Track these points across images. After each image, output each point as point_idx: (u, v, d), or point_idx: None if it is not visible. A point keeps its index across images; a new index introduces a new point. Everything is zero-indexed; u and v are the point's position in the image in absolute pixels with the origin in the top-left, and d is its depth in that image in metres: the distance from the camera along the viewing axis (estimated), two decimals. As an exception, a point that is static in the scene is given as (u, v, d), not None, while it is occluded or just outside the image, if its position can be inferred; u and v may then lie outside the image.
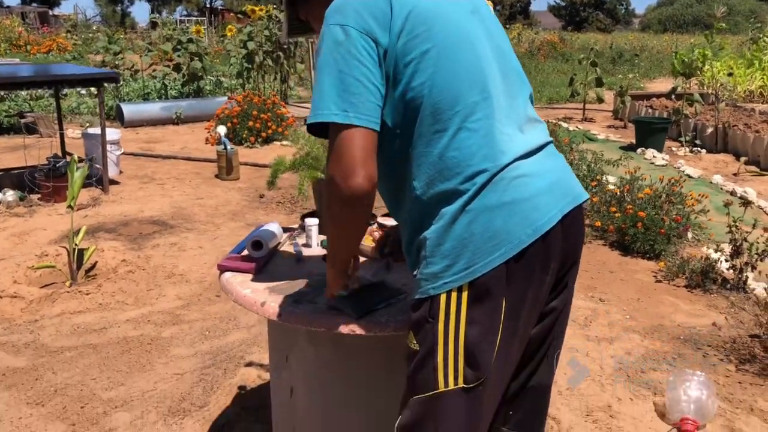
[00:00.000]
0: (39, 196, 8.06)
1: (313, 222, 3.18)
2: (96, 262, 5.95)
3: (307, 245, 3.17)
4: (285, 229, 3.31)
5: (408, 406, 1.85)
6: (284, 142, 11.70)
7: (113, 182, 8.63)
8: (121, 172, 9.38)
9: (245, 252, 2.94)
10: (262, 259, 2.93)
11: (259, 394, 4.04)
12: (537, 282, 1.77)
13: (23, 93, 13.94)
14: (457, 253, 1.72)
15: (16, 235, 6.74)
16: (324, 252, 3.01)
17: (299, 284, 2.69)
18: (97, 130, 8.98)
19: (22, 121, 11.82)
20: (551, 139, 2.00)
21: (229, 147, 9.01)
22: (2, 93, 13.31)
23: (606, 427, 3.64)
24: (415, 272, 1.91)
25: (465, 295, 1.72)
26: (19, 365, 4.33)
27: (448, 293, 1.73)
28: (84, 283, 5.61)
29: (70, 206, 5.61)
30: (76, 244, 5.63)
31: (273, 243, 3.06)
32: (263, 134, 11.34)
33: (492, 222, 1.71)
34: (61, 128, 9.06)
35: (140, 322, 4.94)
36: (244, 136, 11.28)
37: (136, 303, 5.29)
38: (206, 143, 11.67)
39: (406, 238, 1.99)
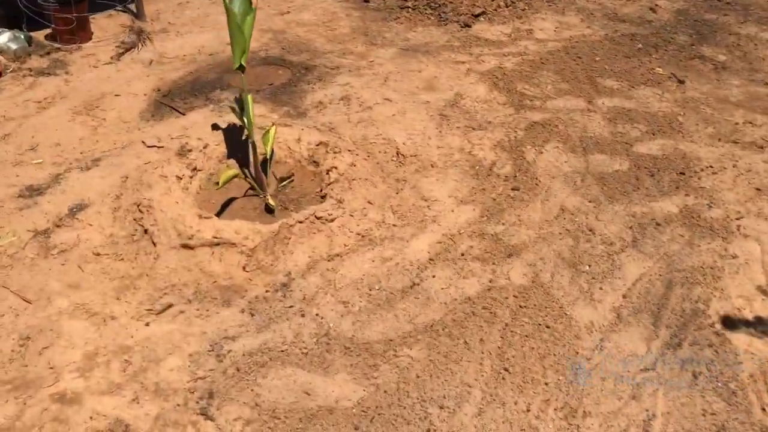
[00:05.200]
0: (48, 33, 5.24)
1: None
2: (272, 153, 3.66)
3: None
4: None
5: None
6: None
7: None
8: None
9: None
10: None
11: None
12: None
13: None
14: None
15: (77, 112, 4.18)
16: None
17: None
18: None
19: None
20: None
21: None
22: None
23: None
24: None
25: None
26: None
27: None
28: (288, 196, 3.41)
29: (241, 67, 3.19)
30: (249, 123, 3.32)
31: None
32: None
33: None
34: None
35: (453, 261, 2.94)
36: None
37: (405, 219, 3.21)
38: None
39: None
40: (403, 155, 3.69)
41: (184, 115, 4.15)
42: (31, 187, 3.51)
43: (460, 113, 4.10)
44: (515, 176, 3.52)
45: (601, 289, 2.80)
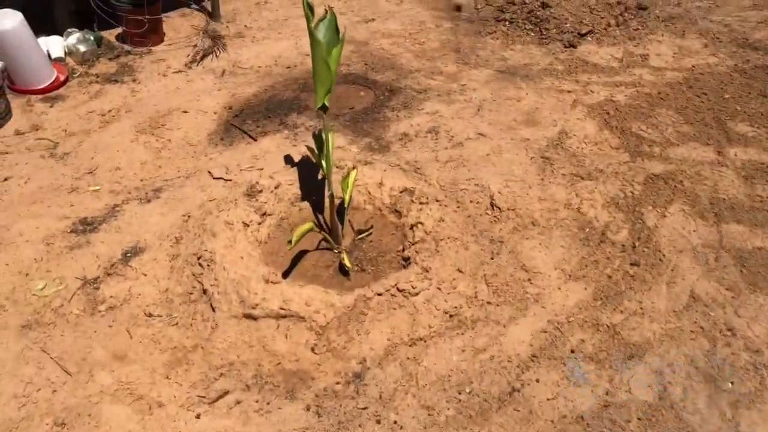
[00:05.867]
0: (119, 33, 4.92)
1: None
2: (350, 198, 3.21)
3: None
4: None
5: None
6: None
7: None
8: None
9: None
10: None
11: None
12: None
13: None
14: None
15: (141, 129, 3.82)
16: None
17: None
18: None
19: None
20: None
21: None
22: None
23: None
24: None
25: None
26: None
27: None
28: (365, 253, 2.96)
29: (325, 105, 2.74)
30: (327, 164, 2.87)
31: None
32: None
33: None
34: None
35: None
36: None
37: (502, 295, 2.70)
38: None
39: None
40: (498, 208, 3.19)
41: (255, 140, 3.75)
42: (85, 221, 3.17)
43: (566, 156, 3.55)
44: (634, 246, 2.96)
45: (749, 417, 2.24)
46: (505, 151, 3.61)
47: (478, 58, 4.64)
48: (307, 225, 2.80)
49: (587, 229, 3.09)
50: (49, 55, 4.56)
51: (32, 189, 3.38)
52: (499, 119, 3.89)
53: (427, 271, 2.74)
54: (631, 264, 2.88)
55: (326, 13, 2.71)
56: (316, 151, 2.98)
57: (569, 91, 4.16)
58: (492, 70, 4.47)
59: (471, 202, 3.25)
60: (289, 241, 2.66)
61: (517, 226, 3.11)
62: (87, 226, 3.15)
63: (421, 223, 3.00)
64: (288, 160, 3.50)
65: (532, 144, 3.66)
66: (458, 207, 3.19)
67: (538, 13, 4.92)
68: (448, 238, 2.95)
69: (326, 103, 2.76)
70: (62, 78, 4.38)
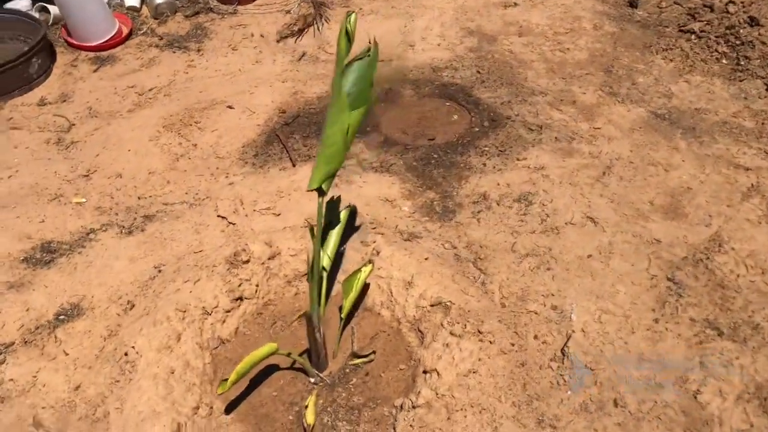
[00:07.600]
0: (208, -14, 4.18)
1: None
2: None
3: None
4: None
5: None
6: None
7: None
8: None
9: None
10: None
11: None
12: None
13: None
14: None
15: (169, 124, 3.12)
16: None
17: None
18: None
19: None
20: None
21: None
22: None
23: None
24: None
25: None
26: None
27: None
28: (350, 394, 2.14)
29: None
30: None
31: None
32: None
33: None
34: None
35: None
36: None
37: None
38: None
39: None
40: (571, 360, 2.10)
41: (294, 166, 2.88)
42: (48, 247, 2.54)
43: (706, 286, 2.35)
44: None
45: None
46: (617, 254, 2.47)
47: (632, 87, 3.37)
48: (266, 348, 1.94)
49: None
50: (123, 2, 3.94)
51: (13, 188, 2.80)
52: (627, 196, 2.71)
53: (411, 471, 1.78)
54: None
55: (368, 49, 1.77)
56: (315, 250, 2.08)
57: (748, 169, 2.84)
58: (646, 109, 3.21)
59: (534, 338, 2.20)
60: (224, 380, 1.82)
61: (590, 401, 2.03)
62: (45, 254, 2.52)
63: (438, 373, 2.01)
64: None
65: (662, 251, 2.47)
66: (512, 345, 2.16)
67: (741, 31, 3.49)
68: (472, 406, 1.96)
69: (324, 188, 1.83)
70: (125, 32, 3.76)
